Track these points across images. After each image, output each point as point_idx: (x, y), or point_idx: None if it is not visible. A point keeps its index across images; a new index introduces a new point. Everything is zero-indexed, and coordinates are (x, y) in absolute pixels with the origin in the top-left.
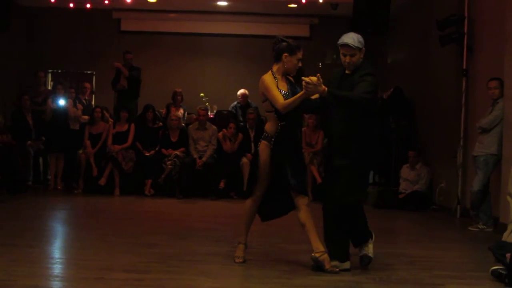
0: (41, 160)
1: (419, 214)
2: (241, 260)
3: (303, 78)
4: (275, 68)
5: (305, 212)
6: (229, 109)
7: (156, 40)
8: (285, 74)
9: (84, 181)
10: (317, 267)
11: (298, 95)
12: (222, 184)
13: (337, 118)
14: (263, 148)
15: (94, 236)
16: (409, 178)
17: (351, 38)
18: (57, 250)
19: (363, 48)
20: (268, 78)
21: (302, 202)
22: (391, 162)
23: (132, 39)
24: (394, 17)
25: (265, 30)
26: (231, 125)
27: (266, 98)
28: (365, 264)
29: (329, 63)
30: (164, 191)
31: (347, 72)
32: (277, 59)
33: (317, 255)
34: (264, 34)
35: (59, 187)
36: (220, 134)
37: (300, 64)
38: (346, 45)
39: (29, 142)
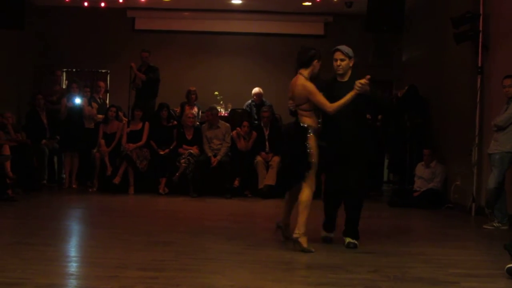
0: (55, 159)
1: (433, 212)
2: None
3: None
4: (305, 72)
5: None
6: (244, 107)
7: (170, 38)
8: (311, 79)
9: (99, 180)
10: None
11: (349, 96)
12: (236, 183)
13: (349, 116)
14: (313, 141)
15: (108, 234)
16: (424, 176)
17: (343, 47)
18: (72, 249)
19: (353, 59)
20: (310, 84)
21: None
22: (406, 160)
23: (146, 37)
24: (408, 15)
25: (279, 28)
26: (245, 123)
27: (307, 100)
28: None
29: None
30: (178, 190)
31: (339, 79)
32: (308, 65)
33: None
34: (278, 33)
35: (73, 185)
36: (234, 132)
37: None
38: (338, 50)
39: (43, 141)
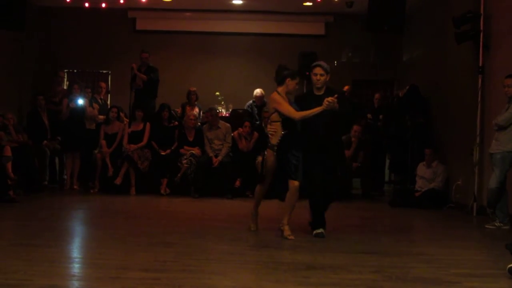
0: (57, 160)
1: (435, 212)
2: (253, 229)
3: (326, 99)
4: (279, 89)
5: (288, 193)
6: (245, 107)
7: (171, 39)
8: (287, 95)
9: (100, 181)
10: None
11: (316, 109)
12: (237, 183)
13: (325, 123)
14: (269, 156)
15: (110, 235)
16: (426, 176)
17: (322, 63)
18: (74, 250)
19: (329, 74)
20: (278, 96)
21: (291, 185)
22: (407, 160)
23: (147, 38)
24: (409, 15)
25: (280, 28)
26: (246, 123)
27: (275, 111)
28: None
29: (345, 61)
30: (179, 190)
31: (316, 93)
32: (282, 83)
33: (280, 225)
34: (279, 33)
35: (75, 186)
36: (236, 133)
37: (297, 87)
38: (318, 66)
39: (45, 142)
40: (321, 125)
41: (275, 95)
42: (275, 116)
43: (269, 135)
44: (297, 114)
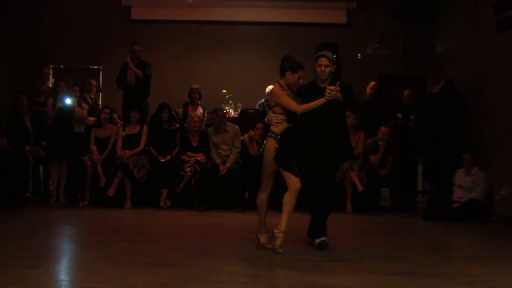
0: (41, 168)
1: (476, 226)
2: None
3: (328, 87)
4: (281, 81)
5: (288, 194)
6: (256, 107)
7: (171, 30)
8: (289, 88)
9: (91, 192)
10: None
11: (318, 101)
12: (246, 195)
13: (329, 117)
14: (271, 145)
15: (102, 254)
16: (464, 184)
17: (328, 53)
18: (60, 271)
19: (335, 65)
20: (278, 89)
21: (293, 186)
22: (443, 167)
23: (143, 29)
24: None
25: (297, 17)
26: (259, 125)
27: (277, 104)
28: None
29: (370, 53)
30: (182, 203)
31: (320, 85)
32: (282, 75)
33: (275, 231)
34: (295, 22)
35: (62, 199)
36: (246, 136)
37: (301, 81)
38: (323, 56)
39: (27, 147)
40: (325, 119)
41: (275, 88)
42: (278, 109)
43: (274, 124)
44: (298, 108)
